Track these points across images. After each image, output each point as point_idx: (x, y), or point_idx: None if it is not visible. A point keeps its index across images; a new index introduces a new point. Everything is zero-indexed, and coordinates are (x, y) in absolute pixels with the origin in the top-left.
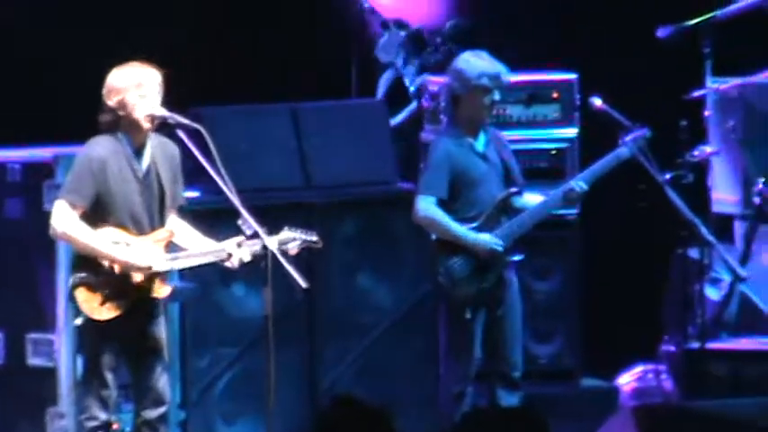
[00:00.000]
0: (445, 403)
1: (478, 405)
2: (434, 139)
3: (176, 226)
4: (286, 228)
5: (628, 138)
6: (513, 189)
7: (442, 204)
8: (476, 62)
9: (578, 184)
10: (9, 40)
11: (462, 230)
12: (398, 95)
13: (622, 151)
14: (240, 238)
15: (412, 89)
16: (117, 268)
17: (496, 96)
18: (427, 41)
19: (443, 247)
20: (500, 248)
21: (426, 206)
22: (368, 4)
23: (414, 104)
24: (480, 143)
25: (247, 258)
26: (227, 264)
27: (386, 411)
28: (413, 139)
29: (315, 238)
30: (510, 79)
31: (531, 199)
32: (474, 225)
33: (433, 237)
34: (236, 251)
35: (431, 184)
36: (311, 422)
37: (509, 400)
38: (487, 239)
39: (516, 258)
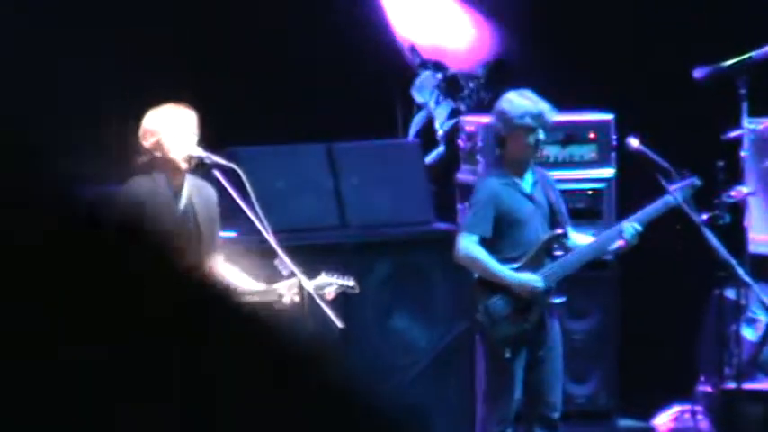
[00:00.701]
0: None
1: None
2: (480, 179)
3: (222, 268)
4: (323, 272)
5: (677, 185)
6: (559, 230)
7: (486, 244)
8: (519, 101)
9: (632, 225)
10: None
11: (504, 270)
12: (429, 137)
13: (671, 199)
14: (290, 282)
15: (441, 132)
16: None
17: (541, 135)
18: (462, 86)
19: (483, 287)
20: (540, 287)
21: (468, 245)
22: (409, 44)
23: (441, 148)
24: (527, 183)
25: (297, 298)
26: (277, 306)
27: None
28: (441, 182)
29: (352, 284)
30: (554, 118)
31: (580, 239)
32: (517, 265)
33: (475, 276)
34: (287, 292)
35: (475, 223)
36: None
37: None
38: (529, 278)
39: (558, 300)
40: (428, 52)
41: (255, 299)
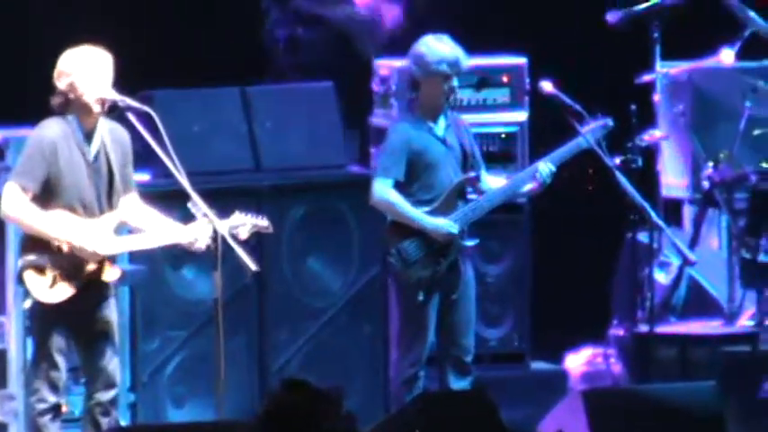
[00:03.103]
0: (396, 387)
1: (429, 388)
2: (392, 123)
3: (136, 208)
4: (237, 212)
5: (589, 126)
6: (471, 174)
7: (399, 187)
8: (436, 47)
9: (547, 164)
10: None
11: (418, 214)
12: None
13: (583, 141)
14: (201, 222)
15: None
16: (66, 250)
17: (455, 82)
18: None
19: (396, 230)
20: (455, 232)
21: (383, 189)
22: None
23: None
24: (440, 127)
25: (205, 244)
26: (191, 248)
27: (336, 393)
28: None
29: (266, 224)
30: (468, 64)
31: (494, 182)
32: (430, 208)
33: (388, 219)
34: (200, 236)
35: (388, 167)
36: (261, 404)
37: (460, 384)
38: (443, 224)
39: (471, 243)
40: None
41: (169, 240)
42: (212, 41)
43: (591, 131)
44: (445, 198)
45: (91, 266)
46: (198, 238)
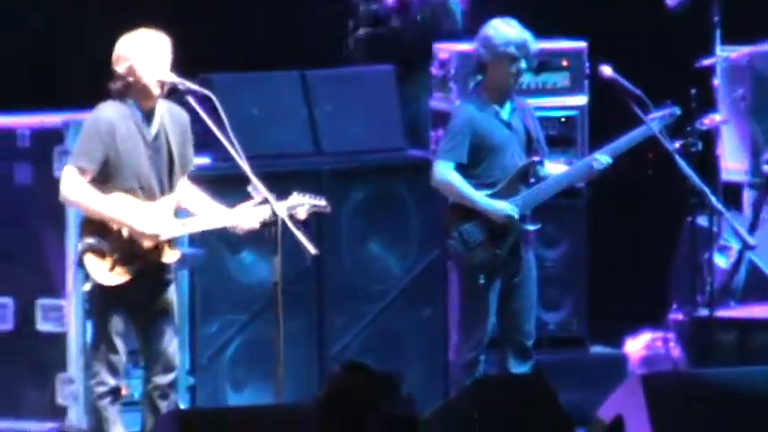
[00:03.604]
0: (457, 370)
1: (489, 373)
2: (458, 105)
3: (187, 192)
4: (295, 193)
5: (657, 114)
6: (535, 158)
7: (463, 170)
8: (504, 29)
9: (603, 157)
10: (19, 7)
11: (478, 196)
12: None
13: (648, 130)
14: (250, 204)
15: None
16: (125, 233)
17: (523, 65)
18: None
19: (458, 213)
20: (515, 215)
21: (444, 170)
22: None
23: None
24: (506, 111)
25: (257, 225)
26: (237, 230)
27: (395, 376)
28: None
29: (324, 203)
30: (536, 47)
31: (554, 169)
32: (492, 192)
33: (450, 201)
34: (246, 218)
35: (451, 149)
36: (320, 387)
37: (521, 368)
38: (503, 206)
39: (532, 228)
40: None
41: (218, 224)
42: (270, 23)
43: (657, 119)
44: (508, 182)
45: (150, 250)
46: (247, 219)
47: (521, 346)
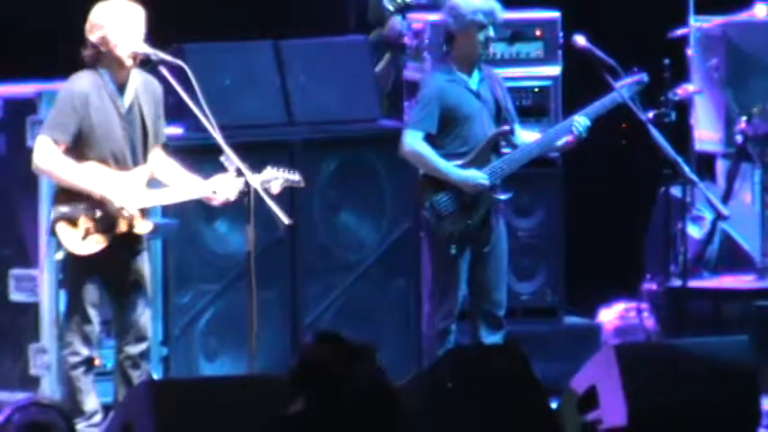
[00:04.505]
0: (429, 340)
1: (461, 343)
2: (426, 75)
3: (161, 162)
4: (269, 166)
5: (624, 81)
6: (505, 127)
7: (432, 140)
8: None
9: (583, 118)
10: None
11: (449, 166)
12: None
13: (617, 96)
14: (225, 176)
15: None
16: (98, 201)
17: (491, 33)
18: None
19: (429, 183)
20: (486, 184)
21: (414, 140)
22: None
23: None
24: (474, 80)
25: (233, 197)
26: (213, 202)
27: (369, 346)
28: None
29: (298, 178)
30: (503, 16)
31: (527, 137)
32: (463, 162)
33: (420, 173)
34: (222, 189)
35: (420, 119)
36: (293, 357)
37: (492, 338)
38: (474, 175)
39: (503, 197)
40: None
41: (192, 195)
42: None
43: (626, 87)
44: (478, 152)
45: (122, 220)
46: (223, 191)
47: (492, 316)
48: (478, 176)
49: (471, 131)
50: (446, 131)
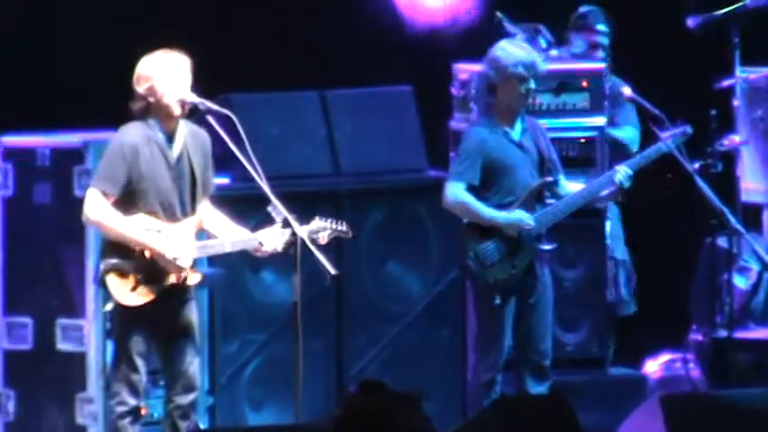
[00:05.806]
0: (474, 391)
1: (507, 393)
2: (468, 128)
3: (209, 213)
4: (317, 217)
5: (669, 133)
6: (549, 178)
7: (476, 192)
8: (512, 50)
9: (623, 168)
10: (43, 25)
11: (490, 211)
12: None
13: (663, 146)
14: (272, 229)
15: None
16: (148, 254)
17: (532, 85)
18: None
19: (473, 232)
20: (532, 225)
21: (456, 191)
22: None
23: None
24: (516, 131)
25: (280, 248)
26: (259, 254)
27: (415, 395)
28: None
29: (345, 229)
30: (545, 68)
31: (572, 187)
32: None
33: (464, 222)
34: (268, 241)
35: (462, 171)
36: (338, 405)
37: (538, 388)
38: (519, 216)
39: (548, 247)
40: (404, 6)
41: (239, 246)
42: (289, 43)
43: (671, 137)
44: (522, 201)
45: (173, 272)
46: (269, 242)
47: (537, 366)
48: (525, 217)
49: (515, 182)
50: (489, 183)
